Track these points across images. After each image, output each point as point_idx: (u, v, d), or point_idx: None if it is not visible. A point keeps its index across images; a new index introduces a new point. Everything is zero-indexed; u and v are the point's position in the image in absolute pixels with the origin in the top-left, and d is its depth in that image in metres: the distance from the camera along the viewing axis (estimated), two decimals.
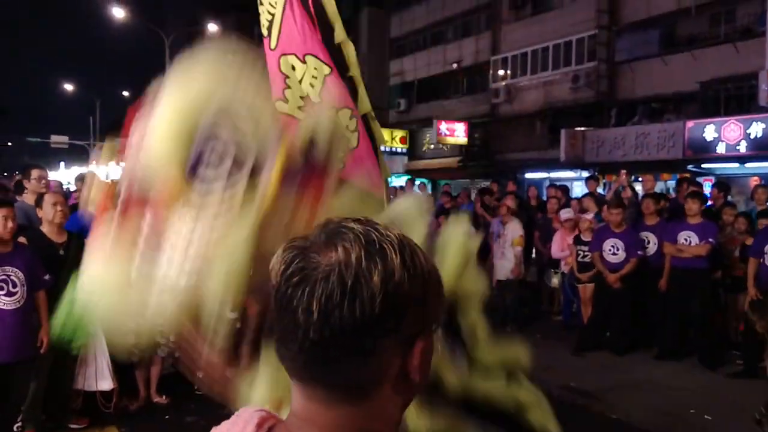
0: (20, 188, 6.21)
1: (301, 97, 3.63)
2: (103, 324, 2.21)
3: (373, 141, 3.69)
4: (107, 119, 38.64)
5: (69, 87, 39.01)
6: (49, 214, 4.65)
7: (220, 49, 1.89)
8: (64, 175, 24.32)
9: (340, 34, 3.84)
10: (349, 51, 3.60)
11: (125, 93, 42.51)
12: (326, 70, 3.79)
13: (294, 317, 0.80)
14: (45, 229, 4.71)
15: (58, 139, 31.48)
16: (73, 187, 8.57)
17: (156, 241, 1.87)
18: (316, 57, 3.88)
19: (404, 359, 0.82)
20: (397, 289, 0.79)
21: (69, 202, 5.59)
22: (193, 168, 1.83)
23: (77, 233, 4.93)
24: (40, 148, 30.10)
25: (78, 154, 34.67)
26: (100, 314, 2.01)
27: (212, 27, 26.35)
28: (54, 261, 4.56)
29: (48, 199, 4.77)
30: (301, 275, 0.80)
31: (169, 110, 1.83)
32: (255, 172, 1.88)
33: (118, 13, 23.22)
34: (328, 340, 0.79)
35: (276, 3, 3.96)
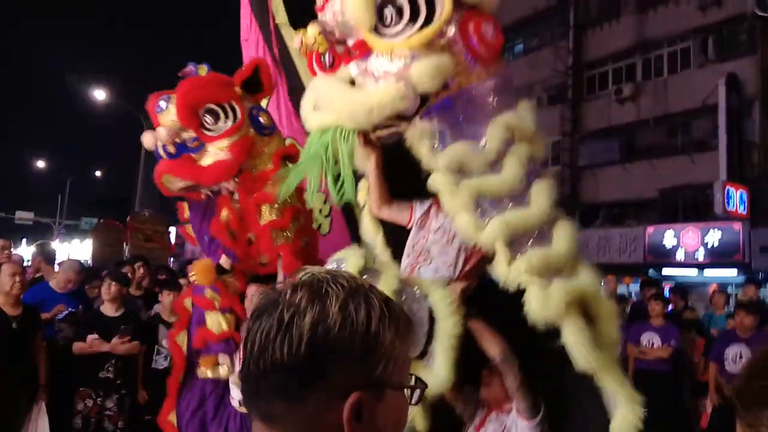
0: None
1: None
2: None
3: (353, 228, 3.86)
4: (76, 198, 38.31)
5: (40, 163, 38.81)
6: (6, 285, 4.50)
7: None
8: (26, 251, 23.70)
9: None
10: None
11: (97, 173, 42.49)
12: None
13: (245, 348, 0.84)
14: (0, 300, 4.55)
15: (24, 215, 30.96)
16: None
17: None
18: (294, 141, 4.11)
19: (338, 411, 0.80)
20: (327, 333, 0.79)
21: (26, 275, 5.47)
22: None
23: (33, 306, 4.79)
24: (2, 223, 29.47)
25: (42, 231, 34.02)
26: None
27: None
28: (6, 334, 4.39)
29: (6, 269, 4.62)
30: (259, 311, 0.84)
31: None
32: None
33: (99, 95, 23.40)
34: (261, 375, 0.81)
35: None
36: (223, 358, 3.45)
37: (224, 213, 3.45)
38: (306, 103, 2.65)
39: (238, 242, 3.45)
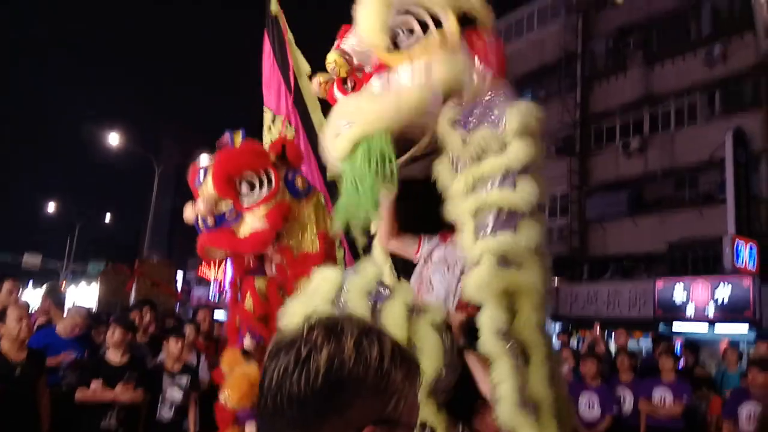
0: None
1: None
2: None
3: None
4: (84, 242, 38.46)
5: (49, 207, 39.08)
6: (13, 330, 4.44)
7: None
8: (32, 294, 23.65)
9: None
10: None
11: (107, 217, 42.73)
12: (321, 199, 4.12)
13: (261, 386, 0.86)
14: (5, 345, 4.48)
15: (31, 259, 31.03)
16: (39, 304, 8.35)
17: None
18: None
19: None
20: (342, 366, 0.82)
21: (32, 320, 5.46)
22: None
23: (38, 351, 4.75)
24: (9, 265, 29.50)
25: (49, 276, 34.06)
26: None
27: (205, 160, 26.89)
28: (8, 380, 4.32)
29: (12, 313, 4.56)
30: (276, 349, 0.87)
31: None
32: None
33: (110, 139, 23.60)
34: (278, 410, 0.82)
35: (286, 134, 4.47)
36: (250, 428, 3.42)
37: (249, 301, 3.50)
38: (328, 135, 2.68)
39: (267, 326, 3.49)
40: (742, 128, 15.45)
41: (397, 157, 2.65)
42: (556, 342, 11.21)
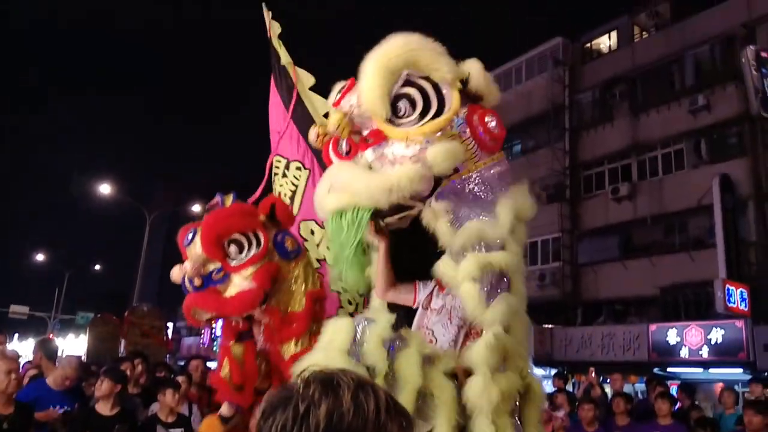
0: None
1: (318, 260, 4.05)
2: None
3: None
4: (73, 292, 37.96)
5: (38, 257, 38.69)
6: (1, 383, 4.36)
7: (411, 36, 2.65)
8: (17, 347, 23.22)
9: None
10: None
11: (96, 267, 42.35)
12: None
13: None
14: None
15: (18, 310, 30.51)
16: (29, 357, 8.23)
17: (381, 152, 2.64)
18: None
19: None
20: (342, 420, 0.83)
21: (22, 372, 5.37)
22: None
23: (26, 405, 4.65)
24: None
25: (35, 326, 33.49)
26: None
27: (196, 208, 26.91)
28: None
29: (1, 366, 4.49)
30: (271, 407, 0.87)
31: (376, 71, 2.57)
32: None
33: (100, 189, 23.56)
34: None
35: (300, 176, 4.48)
36: None
37: (225, 370, 3.45)
38: (321, 188, 2.74)
39: (243, 393, 3.42)
40: (728, 175, 15.71)
41: (386, 216, 2.71)
42: (551, 387, 11.11)
